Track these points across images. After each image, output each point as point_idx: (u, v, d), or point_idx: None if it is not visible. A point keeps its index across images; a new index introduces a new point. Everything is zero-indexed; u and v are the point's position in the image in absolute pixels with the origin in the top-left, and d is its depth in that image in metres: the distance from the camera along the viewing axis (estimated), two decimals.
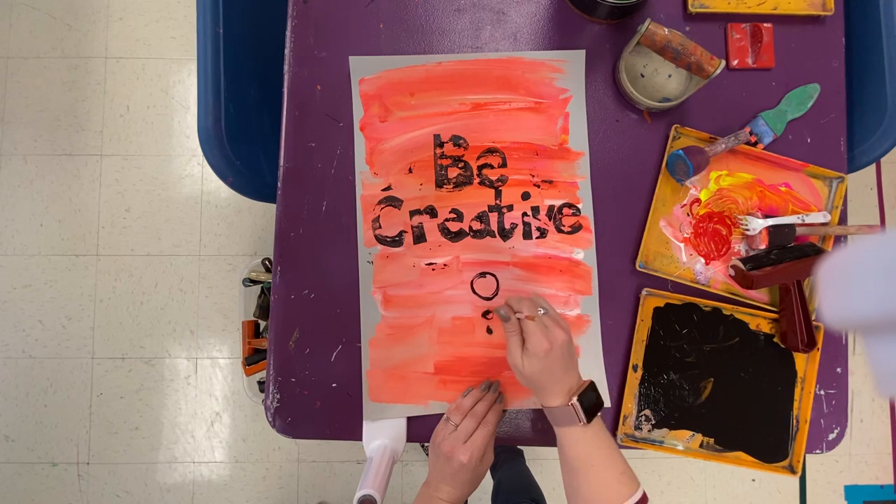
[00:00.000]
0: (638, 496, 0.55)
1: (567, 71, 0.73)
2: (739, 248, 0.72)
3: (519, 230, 0.72)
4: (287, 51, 0.74)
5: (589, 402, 0.57)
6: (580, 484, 0.57)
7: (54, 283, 1.50)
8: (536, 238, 0.72)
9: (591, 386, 0.58)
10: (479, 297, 0.71)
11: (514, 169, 0.72)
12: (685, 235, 0.72)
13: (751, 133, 0.71)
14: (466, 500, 0.74)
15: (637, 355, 0.70)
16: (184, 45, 1.55)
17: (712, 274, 0.72)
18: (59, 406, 1.48)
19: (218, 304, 1.50)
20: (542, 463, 1.43)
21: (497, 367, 0.71)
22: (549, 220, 0.72)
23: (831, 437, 0.71)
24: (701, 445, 0.70)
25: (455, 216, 0.72)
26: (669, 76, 0.73)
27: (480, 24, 0.74)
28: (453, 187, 0.72)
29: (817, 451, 0.71)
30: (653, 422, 0.70)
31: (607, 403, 0.69)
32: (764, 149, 0.71)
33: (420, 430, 0.70)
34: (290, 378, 0.71)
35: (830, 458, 1.51)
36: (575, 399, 0.56)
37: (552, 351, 0.56)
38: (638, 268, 0.70)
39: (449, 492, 0.61)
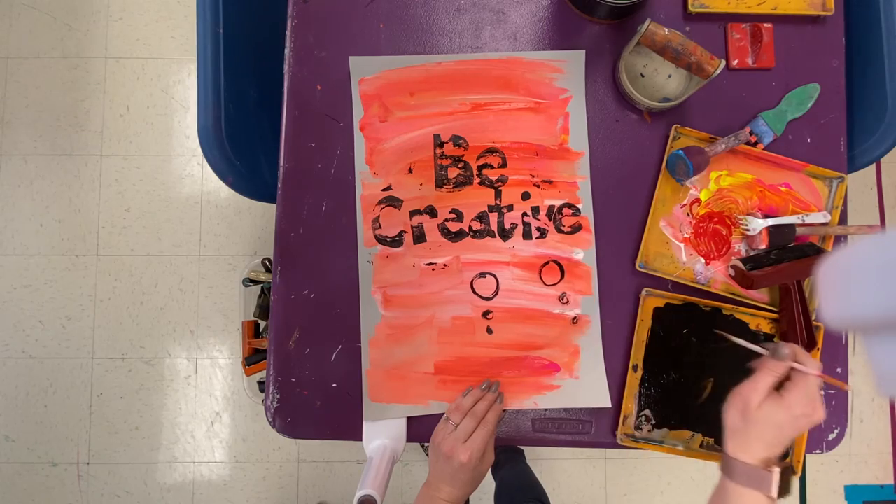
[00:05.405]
0: None
1: (567, 71, 0.73)
2: (739, 248, 0.72)
3: (519, 230, 0.72)
4: (287, 51, 0.74)
5: (786, 480, 0.52)
6: None
7: (54, 283, 1.50)
8: (536, 238, 0.72)
9: (792, 468, 0.56)
10: (479, 297, 0.71)
11: (514, 169, 0.72)
12: (685, 235, 0.72)
13: (751, 133, 0.71)
14: (467, 500, 0.74)
15: (637, 355, 0.70)
16: (184, 45, 1.55)
17: (712, 274, 0.72)
18: (59, 406, 1.48)
19: (218, 304, 1.50)
20: (542, 463, 1.43)
21: (497, 367, 0.71)
22: (549, 220, 0.72)
23: (831, 437, 0.71)
24: (701, 445, 0.70)
25: (455, 216, 0.72)
26: (669, 76, 0.73)
27: (480, 24, 0.74)
28: (453, 187, 0.72)
29: (817, 451, 0.71)
30: (653, 422, 0.70)
31: (608, 404, 0.70)
32: (764, 149, 0.71)
33: (420, 430, 0.70)
34: (290, 378, 0.71)
35: (830, 458, 1.51)
36: (778, 469, 0.51)
37: (806, 419, 0.52)
38: (638, 268, 0.70)
39: (449, 491, 0.61)
